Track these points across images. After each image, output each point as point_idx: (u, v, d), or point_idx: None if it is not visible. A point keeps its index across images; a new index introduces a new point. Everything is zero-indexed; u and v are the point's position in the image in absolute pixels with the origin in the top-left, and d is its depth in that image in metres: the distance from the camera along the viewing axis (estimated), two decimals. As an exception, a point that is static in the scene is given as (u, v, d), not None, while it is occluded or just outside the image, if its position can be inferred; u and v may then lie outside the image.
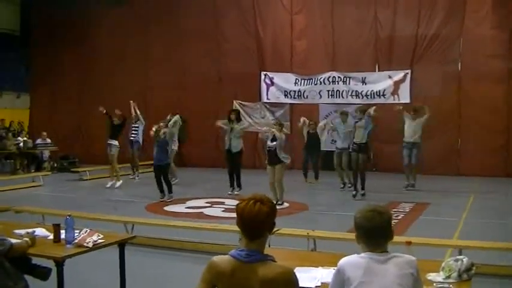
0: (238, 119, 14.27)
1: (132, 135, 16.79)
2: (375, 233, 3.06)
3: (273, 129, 11.97)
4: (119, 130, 15.77)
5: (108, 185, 15.30)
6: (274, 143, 11.71)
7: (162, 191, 12.95)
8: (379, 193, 12.83)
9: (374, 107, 13.26)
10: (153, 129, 13.03)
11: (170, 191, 12.95)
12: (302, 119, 15.71)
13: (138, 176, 16.96)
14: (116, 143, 15.47)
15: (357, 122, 12.95)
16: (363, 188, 12.66)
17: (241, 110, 19.47)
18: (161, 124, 13.19)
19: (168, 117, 14.32)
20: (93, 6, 21.33)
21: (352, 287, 2.99)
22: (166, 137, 12.91)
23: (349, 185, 13.73)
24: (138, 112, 16.46)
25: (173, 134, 13.25)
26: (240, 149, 13.84)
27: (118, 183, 15.33)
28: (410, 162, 14.09)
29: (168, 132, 13.01)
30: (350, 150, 13.10)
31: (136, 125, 16.78)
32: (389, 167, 16.70)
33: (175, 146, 15.21)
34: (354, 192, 12.76)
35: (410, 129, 14.00)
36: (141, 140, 16.85)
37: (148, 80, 21.63)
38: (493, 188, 14.52)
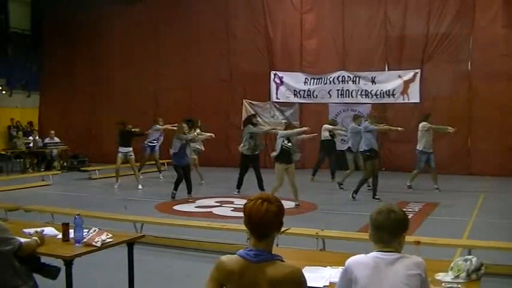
0: (254, 124, 14.01)
1: (155, 141, 16.92)
2: (385, 232, 3.06)
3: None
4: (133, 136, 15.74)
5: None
6: (290, 143, 11.43)
7: (176, 189, 12.96)
8: (388, 192, 12.76)
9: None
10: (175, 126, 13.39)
11: (190, 191, 13.04)
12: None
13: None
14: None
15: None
16: (374, 195, 12.41)
17: (250, 109, 19.50)
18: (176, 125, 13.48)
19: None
20: (104, 6, 21.39)
21: (359, 286, 2.97)
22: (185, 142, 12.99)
23: (369, 187, 13.34)
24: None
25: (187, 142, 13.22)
26: (241, 152, 13.71)
27: (140, 185, 15.29)
28: (424, 167, 13.94)
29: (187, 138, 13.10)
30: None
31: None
32: (398, 167, 16.64)
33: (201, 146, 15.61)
34: (354, 195, 12.66)
35: (428, 139, 13.71)
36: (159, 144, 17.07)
37: (159, 80, 21.69)
38: (503, 188, 14.45)
